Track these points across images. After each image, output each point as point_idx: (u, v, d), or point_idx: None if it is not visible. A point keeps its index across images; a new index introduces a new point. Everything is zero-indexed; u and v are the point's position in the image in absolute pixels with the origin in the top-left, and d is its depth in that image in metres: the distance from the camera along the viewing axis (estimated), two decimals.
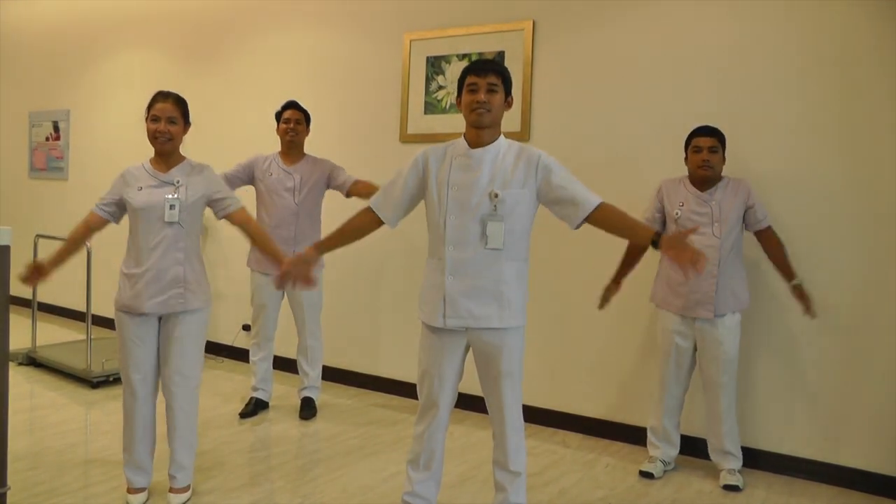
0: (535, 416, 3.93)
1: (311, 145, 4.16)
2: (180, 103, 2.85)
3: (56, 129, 6.90)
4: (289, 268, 2.58)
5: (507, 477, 2.58)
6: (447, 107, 4.44)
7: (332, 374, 4.75)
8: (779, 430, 3.52)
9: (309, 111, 4.12)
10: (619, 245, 3.86)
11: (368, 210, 2.60)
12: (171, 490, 2.91)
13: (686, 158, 3.37)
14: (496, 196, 2.42)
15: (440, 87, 4.46)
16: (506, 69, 2.53)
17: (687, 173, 3.40)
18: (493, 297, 2.45)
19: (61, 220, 6.57)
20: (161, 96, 2.83)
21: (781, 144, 3.49)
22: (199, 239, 2.93)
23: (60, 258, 2.90)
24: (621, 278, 3.49)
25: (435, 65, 4.48)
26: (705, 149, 3.27)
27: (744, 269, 3.36)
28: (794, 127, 3.47)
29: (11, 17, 7.34)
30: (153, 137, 2.80)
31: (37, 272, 2.79)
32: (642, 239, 2.41)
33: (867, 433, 3.33)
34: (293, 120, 4.02)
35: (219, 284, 5.08)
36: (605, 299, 3.50)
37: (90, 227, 2.90)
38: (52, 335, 5.59)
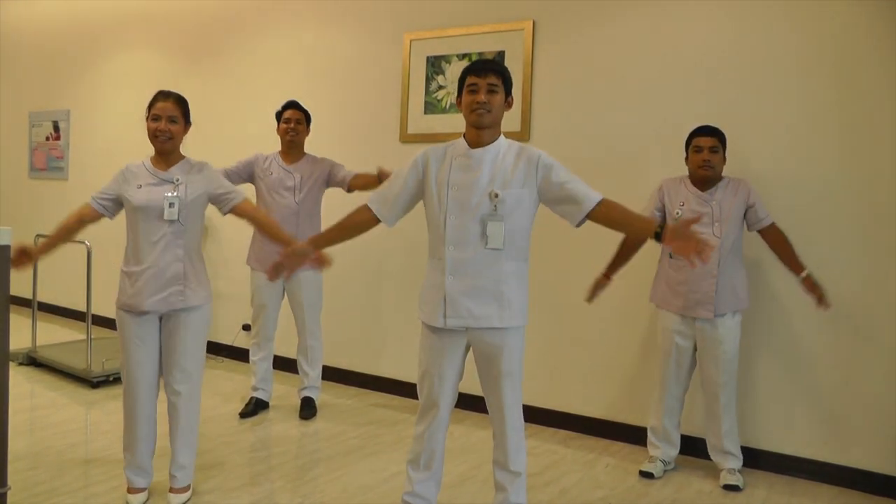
0: (535, 416, 3.93)
1: (312, 145, 4.16)
2: (181, 103, 2.86)
3: (56, 129, 6.90)
4: (282, 259, 2.57)
5: (507, 477, 2.58)
6: (447, 107, 4.44)
7: (332, 374, 4.75)
8: (779, 430, 3.52)
9: (309, 111, 4.12)
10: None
11: (366, 208, 2.59)
12: (172, 490, 2.91)
13: (687, 158, 3.37)
14: (496, 196, 2.42)
15: (440, 87, 4.47)
16: (506, 69, 2.53)
17: (687, 173, 3.40)
18: (492, 297, 2.45)
19: (61, 221, 6.59)
20: (162, 95, 2.83)
21: (781, 144, 3.49)
22: (200, 237, 2.93)
23: (50, 245, 2.89)
24: (612, 272, 3.46)
25: (435, 65, 4.48)
26: (706, 149, 3.27)
27: (744, 268, 3.36)
28: (793, 127, 3.47)
29: (11, 17, 7.35)
30: (153, 136, 2.80)
31: (23, 255, 2.76)
32: (645, 232, 2.41)
33: (868, 433, 3.33)
34: (293, 120, 4.02)
35: (219, 284, 5.08)
36: (593, 292, 3.46)
37: (83, 219, 2.89)
38: (52, 335, 5.59)
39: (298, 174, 3.99)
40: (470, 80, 2.46)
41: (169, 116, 2.79)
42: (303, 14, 5.10)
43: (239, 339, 5.30)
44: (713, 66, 3.64)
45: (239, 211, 2.91)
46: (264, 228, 3.02)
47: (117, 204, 2.86)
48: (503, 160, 2.47)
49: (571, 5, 4.03)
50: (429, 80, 4.50)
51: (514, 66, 4.08)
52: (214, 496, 3.00)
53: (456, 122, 4.24)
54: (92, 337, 4.64)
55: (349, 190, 4.01)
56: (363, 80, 4.78)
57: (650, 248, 3.52)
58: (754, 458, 3.51)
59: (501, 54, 4.21)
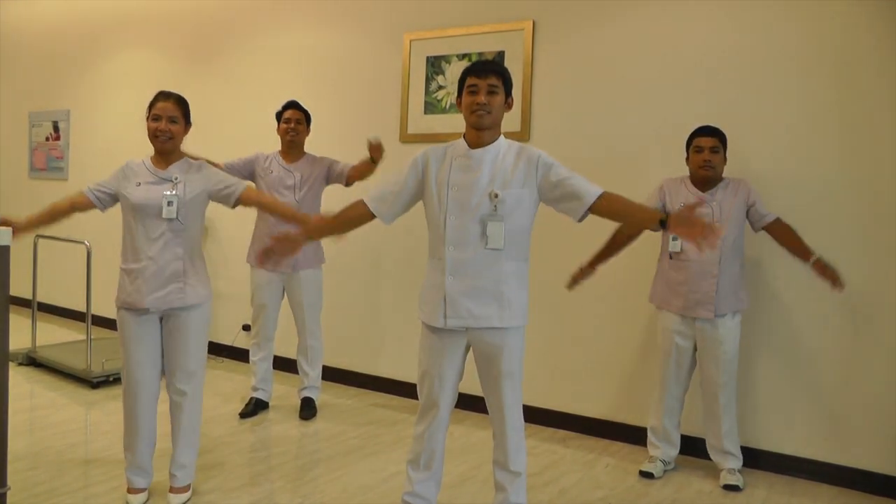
0: (535, 416, 3.93)
1: (312, 145, 4.16)
2: (181, 103, 2.86)
3: (56, 129, 6.90)
4: (273, 244, 2.55)
5: (507, 477, 2.58)
6: (447, 107, 4.44)
7: (332, 374, 4.75)
8: (779, 430, 3.52)
9: (309, 111, 4.13)
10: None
11: (362, 203, 2.58)
12: (172, 490, 2.91)
13: (687, 158, 3.37)
14: (496, 196, 2.42)
15: (440, 87, 4.47)
16: (506, 70, 2.53)
17: (688, 173, 3.40)
18: (492, 297, 2.45)
19: (61, 221, 6.59)
20: (162, 96, 2.84)
21: (781, 144, 3.49)
22: (199, 235, 2.93)
23: (35, 223, 2.85)
24: (598, 263, 3.41)
25: (435, 65, 4.48)
26: (707, 149, 3.27)
27: (744, 269, 3.36)
28: (793, 127, 3.47)
29: (11, 17, 7.35)
30: (153, 136, 2.81)
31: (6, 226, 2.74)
32: (649, 221, 2.40)
33: (868, 433, 3.33)
34: (294, 120, 4.03)
35: (219, 284, 5.07)
36: (575, 281, 3.41)
37: (74, 206, 2.88)
38: (52, 335, 5.59)
39: (298, 173, 3.99)
40: (470, 80, 2.47)
41: (169, 116, 2.79)
42: (303, 14, 5.10)
43: (239, 340, 5.30)
44: (713, 66, 3.64)
45: (245, 199, 2.90)
46: (275, 211, 3.05)
47: (112, 199, 2.86)
48: (503, 160, 2.47)
49: (571, 5, 4.04)
50: (429, 80, 4.50)
51: (514, 66, 4.08)
52: (214, 496, 3.00)
53: (456, 122, 4.24)
54: (92, 337, 4.64)
55: (348, 183, 4.00)
56: (363, 80, 4.78)
57: (650, 249, 3.52)
58: (754, 458, 3.51)
59: (501, 54, 4.21)
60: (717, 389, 3.31)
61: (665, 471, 3.45)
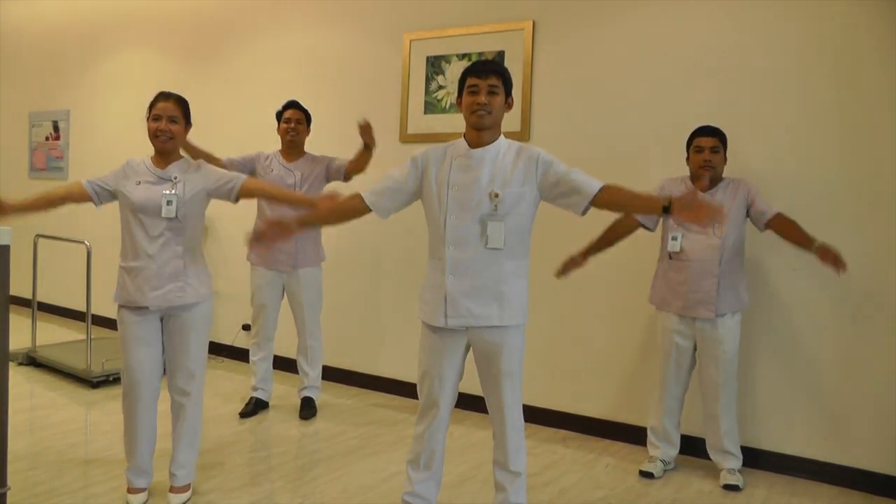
0: (535, 416, 3.93)
1: (312, 145, 4.16)
2: (181, 103, 2.86)
3: (56, 129, 6.90)
4: (266, 228, 2.54)
5: (507, 477, 2.58)
6: (447, 107, 4.44)
7: (332, 374, 4.75)
8: (779, 430, 3.52)
9: (309, 111, 4.13)
10: (620, 248, 3.86)
11: (359, 197, 2.57)
12: (172, 489, 2.91)
13: (687, 158, 3.37)
14: (496, 196, 2.42)
15: (440, 87, 4.47)
16: (506, 70, 2.53)
17: (688, 173, 3.40)
18: (493, 296, 2.45)
19: (61, 221, 6.57)
20: (163, 96, 2.84)
21: (781, 144, 3.49)
22: (199, 234, 2.93)
23: (27, 207, 2.84)
24: (590, 254, 3.37)
25: (435, 65, 4.48)
26: (707, 149, 3.27)
27: (744, 268, 3.36)
28: (793, 127, 3.47)
29: (11, 17, 7.34)
30: (154, 136, 2.81)
31: None
32: (652, 209, 2.39)
33: (868, 433, 3.33)
34: (294, 119, 4.03)
35: (219, 284, 5.07)
36: (565, 269, 3.33)
37: (70, 196, 2.87)
38: (52, 335, 5.59)
39: (299, 172, 4.00)
40: (470, 81, 2.47)
41: (169, 116, 2.79)
42: (302, 14, 5.10)
43: (239, 339, 5.30)
44: (713, 66, 3.64)
45: (247, 192, 2.89)
46: (279, 198, 3.05)
47: (110, 196, 2.86)
48: (503, 160, 2.47)
49: (571, 5, 4.04)
50: (429, 80, 4.50)
51: (514, 66, 4.08)
52: (214, 496, 3.00)
53: (456, 122, 4.24)
54: (92, 337, 4.64)
55: (346, 177, 3.99)
56: (363, 80, 4.78)
57: (650, 249, 3.52)
58: (754, 458, 3.51)
59: (501, 54, 4.21)
60: (717, 389, 3.31)
61: (665, 471, 3.45)
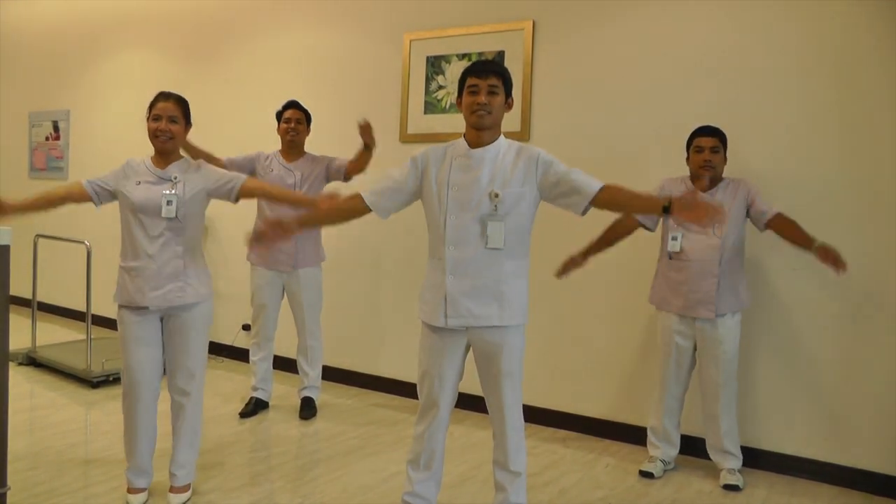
0: (535, 416, 3.93)
1: (312, 145, 4.17)
2: (181, 103, 2.86)
3: (56, 129, 6.90)
4: (266, 228, 2.53)
5: (507, 477, 2.58)
6: (447, 107, 4.44)
7: (332, 374, 4.75)
8: (779, 430, 3.52)
9: (309, 111, 4.13)
10: (620, 248, 3.86)
11: (359, 197, 2.56)
12: (172, 489, 2.91)
13: (688, 158, 3.37)
14: (496, 196, 2.42)
15: (440, 87, 4.47)
16: (506, 70, 2.53)
17: (688, 173, 3.40)
18: (493, 296, 2.45)
19: (61, 221, 6.57)
20: (163, 96, 2.85)
21: (781, 144, 3.49)
22: (199, 234, 2.93)
23: (26, 207, 2.85)
24: (590, 255, 3.35)
25: (435, 65, 4.48)
26: (707, 149, 3.27)
27: (744, 268, 3.36)
28: (793, 127, 3.47)
29: (11, 17, 7.34)
30: (154, 136, 2.81)
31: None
32: (652, 209, 2.38)
33: (868, 433, 3.33)
34: (294, 119, 4.03)
35: (219, 284, 5.08)
36: (565, 270, 3.30)
37: (70, 195, 2.87)
38: (52, 335, 5.59)
39: (299, 172, 4.00)
40: (470, 81, 2.47)
41: (169, 116, 2.80)
42: (302, 14, 5.10)
43: (239, 339, 5.30)
44: (713, 66, 3.64)
45: (247, 192, 2.89)
46: (279, 198, 3.06)
47: (110, 196, 2.86)
48: (503, 160, 2.47)
49: (571, 5, 4.04)
50: (429, 80, 4.50)
51: (514, 66, 4.08)
52: (214, 496, 3.00)
53: (456, 122, 4.24)
54: (92, 337, 4.64)
55: (346, 177, 3.99)
56: (363, 80, 4.78)
57: (650, 249, 3.52)
58: (754, 458, 3.51)
59: (501, 54, 4.21)
60: (717, 389, 3.31)
61: (665, 471, 3.45)
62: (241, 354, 5.12)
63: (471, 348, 2.57)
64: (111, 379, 4.52)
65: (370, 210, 2.57)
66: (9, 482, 2.54)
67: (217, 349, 5.32)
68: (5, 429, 2.50)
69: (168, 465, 2.94)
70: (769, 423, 3.54)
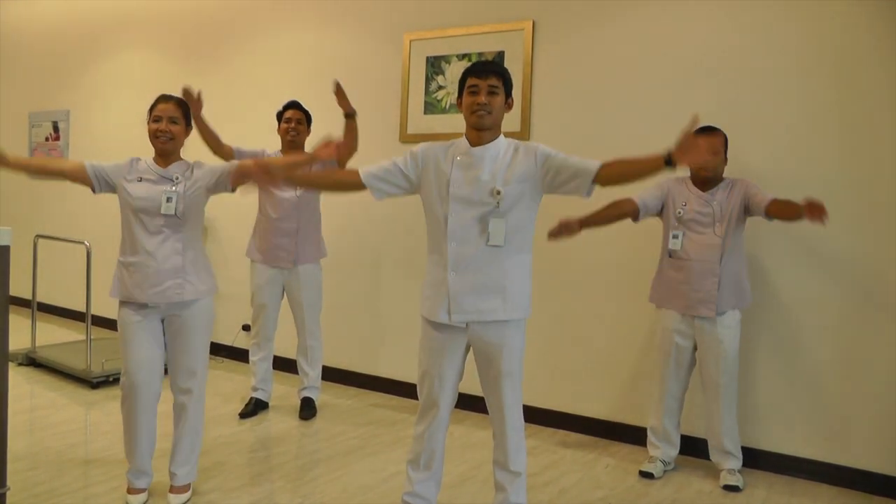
0: (535, 416, 3.93)
1: (312, 145, 4.16)
2: (182, 105, 2.88)
3: (56, 129, 6.90)
4: (254, 168, 2.53)
5: (507, 477, 2.58)
6: (447, 107, 4.44)
7: (332, 374, 4.75)
8: (779, 430, 3.52)
9: (310, 111, 4.13)
10: (620, 248, 3.87)
11: (356, 173, 2.56)
12: (172, 489, 2.91)
13: None
14: (498, 193, 2.43)
15: (440, 87, 4.47)
16: (506, 71, 2.54)
17: (689, 173, 3.40)
18: (495, 291, 2.46)
19: (61, 221, 6.59)
20: (163, 99, 2.87)
21: (781, 144, 3.49)
22: (199, 232, 2.93)
23: (25, 165, 2.85)
24: (587, 226, 3.18)
25: (435, 65, 4.48)
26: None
27: (746, 266, 3.36)
28: (793, 127, 3.47)
29: (11, 17, 7.34)
30: (154, 136, 2.81)
31: None
32: (656, 166, 2.34)
33: (868, 433, 3.33)
34: (294, 119, 4.03)
35: (219, 284, 5.05)
36: (558, 232, 3.00)
37: (69, 172, 2.84)
38: (52, 335, 5.59)
39: (300, 171, 3.99)
40: (470, 81, 2.48)
41: (170, 117, 2.81)
42: (303, 14, 5.10)
43: (239, 340, 5.30)
44: (713, 66, 3.64)
45: (238, 178, 2.85)
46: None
47: (108, 185, 2.85)
48: (504, 157, 2.49)
49: (571, 5, 4.04)
50: (429, 80, 4.50)
51: (514, 66, 4.08)
52: (214, 496, 3.00)
53: (456, 122, 4.24)
54: (91, 337, 4.64)
55: (341, 165, 3.98)
56: (363, 80, 4.77)
57: (651, 249, 3.52)
58: (754, 458, 3.51)
59: (501, 54, 4.21)
60: (718, 389, 3.31)
61: (665, 471, 3.45)
62: (241, 354, 5.12)
63: (471, 348, 2.58)
64: (111, 379, 4.52)
65: (364, 187, 2.56)
66: (9, 482, 2.54)
67: (217, 349, 5.32)
68: (5, 429, 2.50)
69: (168, 464, 2.94)
70: (769, 423, 3.54)
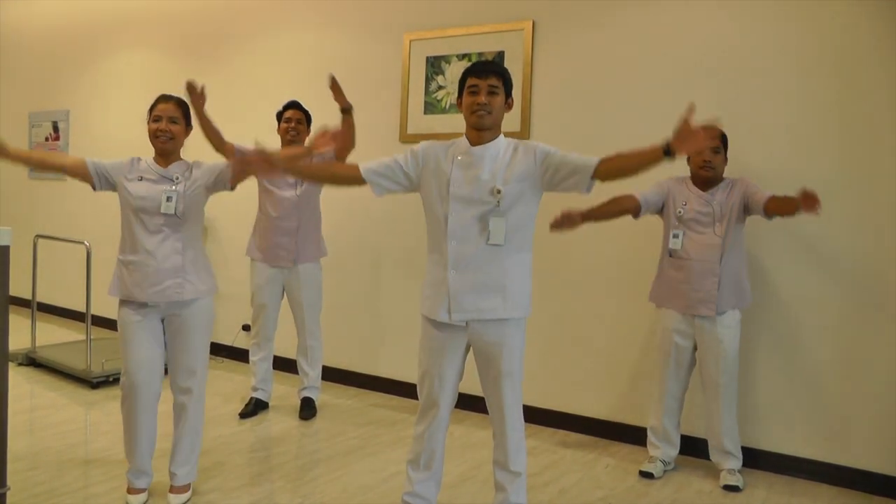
0: (535, 416, 3.93)
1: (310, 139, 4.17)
2: (182, 105, 2.89)
3: (56, 129, 6.90)
4: (254, 156, 2.51)
5: (507, 477, 2.58)
6: (447, 107, 4.44)
7: (332, 374, 4.75)
8: (779, 430, 3.52)
9: (310, 111, 4.13)
10: (620, 247, 3.87)
11: (356, 168, 2.56)
12: (172, 489, 2.91)
13: (688, 159, 3.37)
14: (498, 192, 2.43)
15: (440, 87, 4.47)
16: (506, 71, 2.54)
17: (689, 173, 3.40)
18: (495, 290, 2.47)
19: (61, 221, 6.59)
20: (163, 98, 2.87)
21: (781, 144, 3.49)
22: (199, 231, 2.93)
23: (26, 158, 2.90)
24: (589, 219, 3.14)
25: (435, 65, 4.48)
26: (707, 149, 3.27)
27: (746, 266, 3.36)
28: (793, 127, 3.47)
29: (11, 17, 7.34)
30: (154, 136, 2.82)
31: None
32: (654, 160, 2.33)
33: (868, 433, 3.33)
34: (294, 120, 4.04)
35: (219, 284, 5.07)
36: (560, 224, 2.91)
37: (69, 167, 2.85)
38: (52, 335, 5.58)
39: None
40: (470, 81, 2.48)
41: (170, 117, 2.81)
42: (303, 14, 5.10)
43: (239, 340, 5.29)
44: (713, 66, 3.64)
45: (236, 175, 2.86)
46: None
47: (109, 184, 2.86)
48: (504, 157, 2.49)
49: (571, 5, 4.04)
50: (429, 80, 4.50)
51: (513, 66, 4.08)
52: (214, 496, 3.00)
53: (456, 122, 4.24)
54: (91, 337, 4.64)
55: (338, 157, 3.97)
56: (363, 80, 4.77)
57: (651, 248, 3.52)
58: (754, 458, 3.51)
59: (501, 54, 4.21)
60: (717, 389, 3.31)
61: (665, 471, 3.45)
62: (241, 355, 5.12)
63: (471, 348, 2.58)
64: (111, 379, 4.52)
65: (364, 182, 2.55)
66: (9, 482, 2.54)
67: (217, 349, 5.32)
68: (5, 429, 2.49)
69: (168, 464, 2.94)
70: (769, 423, 3.54)
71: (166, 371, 2.94)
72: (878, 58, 3.28)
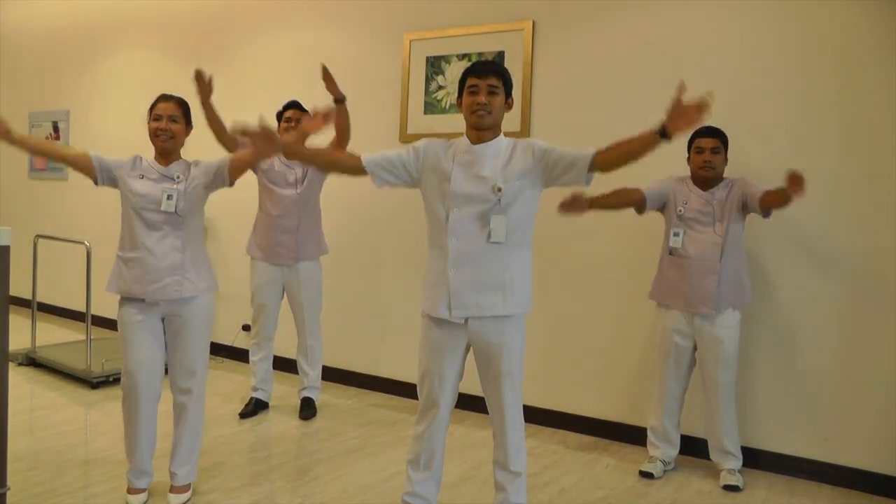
0: (535, 416, 3.93)
1: (312, 145, 4.16)
2: (182, 104, 2.89)
3: (56, 129, 6.90)
4: (259, 132, 2.47)
5: (507, 477, 2.58)
6: (447, 107, 4.44)
7: (332, 374, 4.75)
8: (779, 430, 3.52)
9: (310, 111, 4.12)
10: (620, 246, 3.87)
11: (357, 158, 2.56)
12: (172, 489, 2.91)
13: (688, 158, 3.38)
14: (499, 190, 2.43)
15: (440, 87, 4.47)
16: (506, 70, 2.54)
17: (689, 173, 3.40)
18: (495, 287, 2.47)
19: (61, 221, 6.59)
20: (164, 98, 2.87)
21: (781, 144, 3.49)
22: (199, 229, 2.94)
23: (31, 145, 2.90)
24: (595, 207, 3.12)
25: (435, 65, 4.48)
26: (707, 150, 3.28)
27: (746, 264, 3.36)
28: (793, 127, 3.47)
29: (11, 17, 7.34)
30: (154, 135, 2.82)
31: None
32: (651, 143, 2.37)
33: (868, 433, 3.33)
34: (294, 119, 4.04)
35: (219, 284, 5.08)
36: (568, 204, 2.89)
37: (72, 160, 2.87)
38: (52, 335, 5.58)
39: (300, 168, 4.01)
40: (470, 81, 2.48)
41: (170, 116, 2.82)
42: (303, 14, 5.10)
43: (239, 340, 5.29)
44: (713, 66, 3.64)
45: (235, 169, 2.86)
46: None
47: (110, 178, 2.86)
48: (504, 155, 2.50)
49: (571, 5, 4.04)
50: (429, 80, 4.50)
51: (513, 66, 4.08)
52: (214, 496, 3.00)
53: (456, 122, 4.24)
54: (91, 337, 4.64)
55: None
56: (363, 80, 4.77)
57: (651, 248, 3.52)
58: (754, 458, 3.51)
59: (501, 54, 4.21)
60: (717, 389, 3.31)
61: (665, 471, 3.45)
62: (241, 355, 5.12)
63: (471, 348, 2.58)
64: (111, 379, 4.52)
65: (364, 172, 2.55)
66: (9, 482, 2.54)
67: (217, 349, 5.32)
68: (5, 429, 2.50)
69: (168, 464, 2.94)
70: (769, 423, 3.54)
71: (166, 371, 2.94)
72: (878, 58, 3.28)
